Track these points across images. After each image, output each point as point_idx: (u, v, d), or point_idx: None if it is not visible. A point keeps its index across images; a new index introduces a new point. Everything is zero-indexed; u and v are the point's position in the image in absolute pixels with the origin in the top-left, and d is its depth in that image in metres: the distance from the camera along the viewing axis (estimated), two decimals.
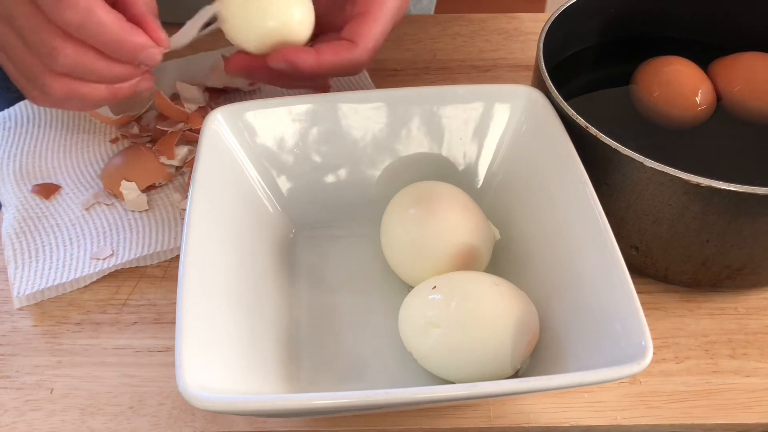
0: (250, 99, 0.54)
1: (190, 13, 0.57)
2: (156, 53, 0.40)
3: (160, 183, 0.48)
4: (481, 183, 0.45)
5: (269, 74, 0.44)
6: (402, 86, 0.45)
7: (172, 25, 0.62)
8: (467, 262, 0.40)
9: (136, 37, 0.38)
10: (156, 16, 0.41)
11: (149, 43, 0.39)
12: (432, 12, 0.73)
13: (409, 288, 0.40)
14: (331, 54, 0.43)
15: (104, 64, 0.39)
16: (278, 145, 0.44)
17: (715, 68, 0.49)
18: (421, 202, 0.41)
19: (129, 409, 0.39)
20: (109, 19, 0.37)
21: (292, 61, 0.42)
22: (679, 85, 0.48)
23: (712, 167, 0.38)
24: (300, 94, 0.55)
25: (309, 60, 0.42)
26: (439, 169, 0.45)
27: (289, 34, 0.43)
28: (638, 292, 0.33)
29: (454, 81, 0.57)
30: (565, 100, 0.41)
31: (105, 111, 0.50)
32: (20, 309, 0.43)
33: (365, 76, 0.56)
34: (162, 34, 0.40)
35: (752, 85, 0.48)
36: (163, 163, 0.48)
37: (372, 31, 0.43)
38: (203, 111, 0.51)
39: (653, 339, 0.32)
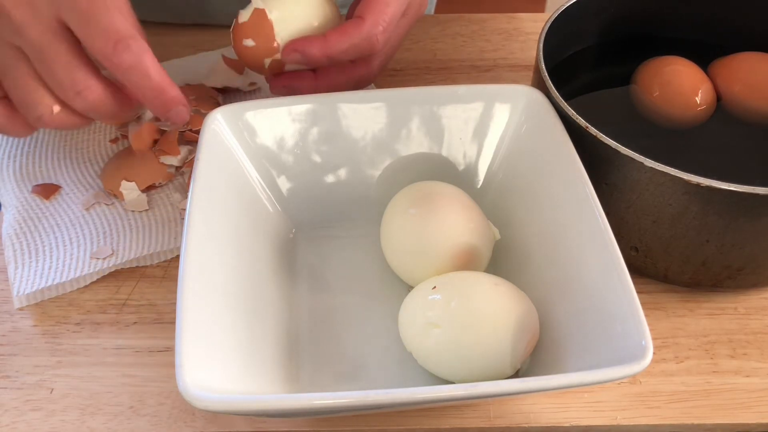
0: (250, 99, 0.54)
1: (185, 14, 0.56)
2: (185, 112, 0.40)
3: (160, 183, 0.48)
4: (481, 183, 0.45)
5: (310, 82, 0.45)
6: (402, 86, 0.45)
7: (173, 25, 0.62)
8: (467, 262, 0.40)
9: (174, 91, 0.39)
10: None
11: (183, 100, 0.40)
12: (432, 12, 0.73)
13: (409, 288, 0.40)
14: (338, 33, 0.43)
15: (120, 108, 0.40)
16: (278, 145, 0.44)
17: (715, 68, 0.49)
18: (421, 202, 0.41)
19: (129, 409, 0.39)
20: (156, 69, 0.38)
21: (302, 50, 0.42)
22: (679, 85, 0.48)
23: (712, 167, 0.38)
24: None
25: (316, 44, 0.42)
26: (439, 169, 0.45)
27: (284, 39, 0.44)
28: (638, 292, 0.33)
29: (454, 81, 0.57)
30: (565, 100, 0.41)
31: None
32: (20, 309, 0.43)
33: None
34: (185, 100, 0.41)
35: (752, 85, 0.48)
36: (163, 163, 0.48)
37: (381, 5, 0.43)
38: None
39: (653, 339, 0.32)
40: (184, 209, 0.46)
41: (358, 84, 0.46)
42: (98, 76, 0.38)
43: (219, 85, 0.55)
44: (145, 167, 0.48)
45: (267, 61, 0.44)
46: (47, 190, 0.48)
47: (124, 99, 0.40)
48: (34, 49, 0.37)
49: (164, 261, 0.45)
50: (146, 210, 0.47)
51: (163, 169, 0.48)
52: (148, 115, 0.51)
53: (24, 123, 0.40)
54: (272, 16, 0.43)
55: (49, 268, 0.44)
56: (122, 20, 0.37)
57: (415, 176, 0.44)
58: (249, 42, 0.43)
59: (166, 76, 0.39)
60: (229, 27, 0.45)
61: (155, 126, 0.49)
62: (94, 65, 0.38)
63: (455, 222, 0.40)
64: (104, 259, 0.44)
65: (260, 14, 0.43)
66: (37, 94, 0.39)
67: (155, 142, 0.50)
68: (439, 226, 0.40)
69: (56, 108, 0.39)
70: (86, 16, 0.37)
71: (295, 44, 0.43)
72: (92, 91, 0.38)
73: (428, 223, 0.40)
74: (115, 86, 0.39)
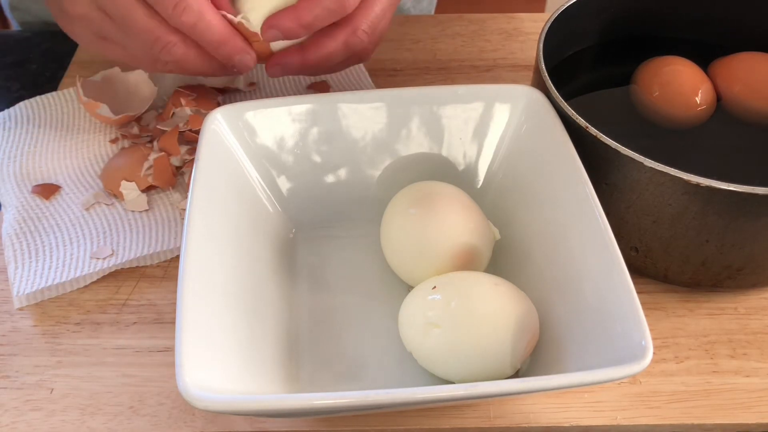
0: (250, 99, 0.54)
1: None
2: (249, 59, 0.43)
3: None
4: (481, 183, 0.45)
5: (297, 56, 0.45)
6: (402, 86, 0.45)
7: None
8: (467, 262, 0.40)
9: (237, 41, 0.43)
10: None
11: (246, 48, 0.43)
12: (432, 12, 0.73)
13: (409, 288, 0.40)
14: (316, 50, 0.44)
15: (205, 60, 0.43)
16: (278, 145, 0.44)
17: (715, 68, 0.49)
18: (421, 202, 0.41)
19: (129, 409, 0.39)
20: (217, 22, 0.42)
21: (275, 24, 0.43)
22: (679, 85, 0.48)
23: (712, 167, 0.38)
24: (300, 93, 0.55)
25: (288, 15, 0.43)
26: (439, 169, 0.45)
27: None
28: (638, 292, 0.33)
29: (454, 81, 0.57)
30: (565, 100, 0.41)
31: (105, 111, 0.50)
32: (20, 309, 0.43)
33: (365, 76, 0.56)
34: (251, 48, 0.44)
35: (752, 85, 0.48)
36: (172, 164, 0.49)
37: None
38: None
39: (653, 339, 0.32)
40: (184, 209, 0.46)
41: (353, 54, 0.45)
42: (177, 33, 0.42)
43: (219, 85, 0.55)
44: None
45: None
46: (47, 190, 0.48)
47: (206, 54, 0.43)
48: (117, 17, 0.42)
49: (164, 261, 0.45)
50: (146, 210, 0.47)
51: (169, 170, 0.48)
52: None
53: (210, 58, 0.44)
54: (239, 17, 0.43)
55: (49, 268, 0.44)
56: None
57: (415, 176, 0.44)
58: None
59: (228, 27, 0.42)
60: None
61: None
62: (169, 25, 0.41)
63: (455, 222, 0.40)
64: (104, 259, 0.44)
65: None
66: (156, 22, 0.42)
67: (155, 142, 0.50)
68: (439, 226, 0.40)
69: (177, 36, 0.42)
70: None
71: (269, 21, 0.43)
72: (174, 45, 0.42)
73: (428, 223, 0.40)
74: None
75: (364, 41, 0.45)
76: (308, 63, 0.45)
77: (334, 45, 0.44)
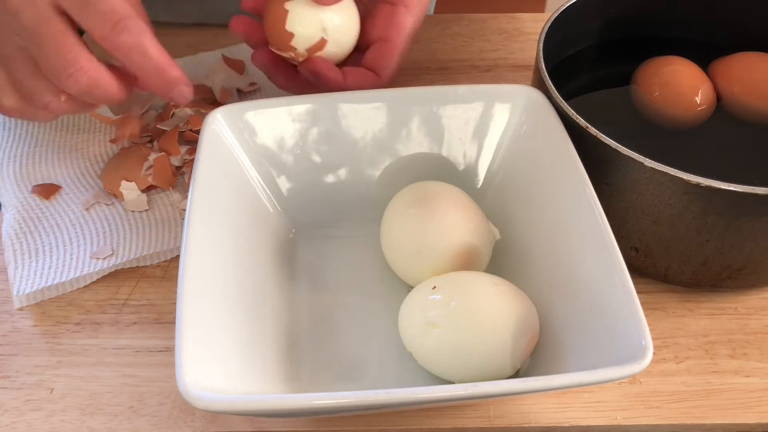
0: (250, 99, 0.54)
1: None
2: (188, 92, 0.40)
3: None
4: (481, 183, 0.45)
5: (287, 77, 0.46)
6: (402, 86, 0.45)
7: (173, 25, 0.62)
8: (467, 262, 0.40)
9: (176, 71, 0.39)
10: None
11: (185, 79, 0.40)
12: (432, 12, 0.73)
13: (409, 288, 0.40)
14: (356, 80, 0.45)
15: (117, 89, 0.40)
16: (278, 145, 0.44)
17: (715, 68, 0.49)
18: (421, 202, 0.41)
19: (129, 409, 0.39)
20: (156, 48, 0.38)
21: (323, 75, 0.44)
22: (679, 85, 0.48)
23: (712, 167, 0.38)
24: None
25: (336, 78, 0.44)
26: (439, 169, 0.45)
27: (333, 43, 0.44)
28: (638, 292, 0.33)
29: (454, 81, 0.57)
30: (565, 100, 0.41)
31: (105, 111, 0.50)
32: (20, 309, 0.43)
33: None
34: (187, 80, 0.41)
35: (752, 85, 0.48)
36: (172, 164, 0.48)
37: (393, 60, 0.46)
38: None
39: (653, 339, 0.32)
40: (184, 209, 0.46)
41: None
42: (90, 58, 0.38)
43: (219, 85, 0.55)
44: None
45: (298, 51, 0.44)
46: (47, 190, 0.48)
47: (121, 81, 0.40)
48: (28, 33, 0.37)
49: (164, 261, 0.45)
50: (146, 210, 0.47)
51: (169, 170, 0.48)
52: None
53: (41, 109, 0.40)
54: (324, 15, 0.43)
55: (49, 268, 0.44)
56: (120, 1, 0.37)
57: (415, 176, 0.44)
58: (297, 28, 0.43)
59: (166, 55, 0.39)
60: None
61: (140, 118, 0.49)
62: (88, 48, 0.38)
63: (455, 222, 0.40)
64: (104, 259, 0.44)
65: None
66: (40, 82, 0.39)
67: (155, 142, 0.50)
68: (439, 226, 0.40)
69: (63, 96, 0.39)
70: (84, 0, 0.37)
71: (312, 64, 0.44)
72: (84, 73, 0.38)
73: (428, 223, 0.40)
74: (110, 68, 0.39)
75: (394, 72, 0.47)
76: (343, 84, 0.45)
77: (371, 78, 0.46)
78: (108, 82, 0.39)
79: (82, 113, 0.44)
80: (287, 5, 0.43)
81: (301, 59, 0.44)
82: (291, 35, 0.43)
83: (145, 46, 0.38)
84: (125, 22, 0.37)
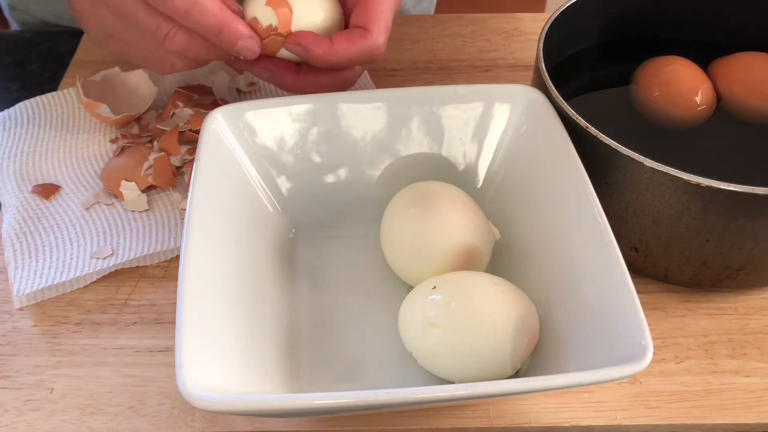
0: (250, 99, 0.54)
1: None
2: (254, 45, 0.42)
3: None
4: (481, 183, 0.45)
5: (292, 75, 0.45)
6: (402, 86, 0.45)
7: None
8: (467, 262, 0.40)
9: (237, 26, 0.41)
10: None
11: (249, 33, 0.41)
12: (432, 12, 0.73)
13: (409, 288, 0.40)
14: (345, 42, 0.42)
15: (210, 47, 0.42)
16: (278, 145, 0.44)
17: (715, 68, 0.49)
18: (421, 202, 0.41)
19: (129, 409, 0.39)
20: (212, 6, 0.40)
21: (306, 46, 0.42)
22: (680, 85, 0.48)
23: (712, 167, 0.38)
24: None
25: (323, 47, 0.42)
26: (439, 169, 0.45)
27: (305, 15, 0.43)
28: (638, 292, 0.33)
29: (454, 81, 0.57)
30: (565, 100, 0.41)
31: (105, 111, 0.50)
32: (20, 309, 0.43)
33: (365, 76, 0.56)
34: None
35: (752, 85, 0.48)
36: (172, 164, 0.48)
37: (382, 12, 0.43)
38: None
39: (653, 339, 0.32)
40: (184, 209, 0.46)
41: (340, 87, 0.45)
42: (174, 23, 0.40)
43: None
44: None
45: (267, 42, 0.43)
46: (47, 190, 0.48)
47: (210, 42, 0.42)
48: (118, 14, 0.41)
49: (164, 261, 0.45)
50: (146, 210, 0.47)
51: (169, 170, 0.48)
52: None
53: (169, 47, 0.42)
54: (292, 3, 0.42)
55: (49, 268, 0.44)
56: None
57: (415, 176, 0.44)
58: (264, 17, 0.42)
59: (227, 11, 0.40)
60: None
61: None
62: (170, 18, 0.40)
63: (455, 222, 0.40)
64: (104, 259, 0.44)
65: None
66: (150, 46, 0.42)
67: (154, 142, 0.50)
68: (439, 226, 0.40)
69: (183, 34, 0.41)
70: None
71: (300, 39, 0.42)
72: (176, 33, 0.41)
73: (428, 223, 0.40)
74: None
75: (357, 78, 0.45)
76: (296, 86, 0.44)
77: (330, 81, 0.44)
78: (199, 45, 0.42)
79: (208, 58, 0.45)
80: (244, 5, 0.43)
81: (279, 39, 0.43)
82: (255, 20, 0.42)
83: (200, 5, 0.39)
84: None
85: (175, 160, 0.49)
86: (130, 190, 0.47)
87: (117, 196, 0.47)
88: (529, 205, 0.42)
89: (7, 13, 0.69)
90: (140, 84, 0.54)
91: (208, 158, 0.40)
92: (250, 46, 0.41)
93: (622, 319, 0.33)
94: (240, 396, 0.32)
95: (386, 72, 0.58)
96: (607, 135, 0.39)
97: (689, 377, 0.40)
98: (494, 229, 0.42)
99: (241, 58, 0.42)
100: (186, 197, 0.47)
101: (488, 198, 0.45)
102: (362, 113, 0.44)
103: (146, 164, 0.48)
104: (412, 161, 0.45)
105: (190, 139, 0.50)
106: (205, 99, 0.53)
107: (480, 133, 0.44)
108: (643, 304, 0.33)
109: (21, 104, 0.53)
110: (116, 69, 0.54)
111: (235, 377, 0.33)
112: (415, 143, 0.45)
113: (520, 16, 0.63)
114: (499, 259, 0.42)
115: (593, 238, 0.36)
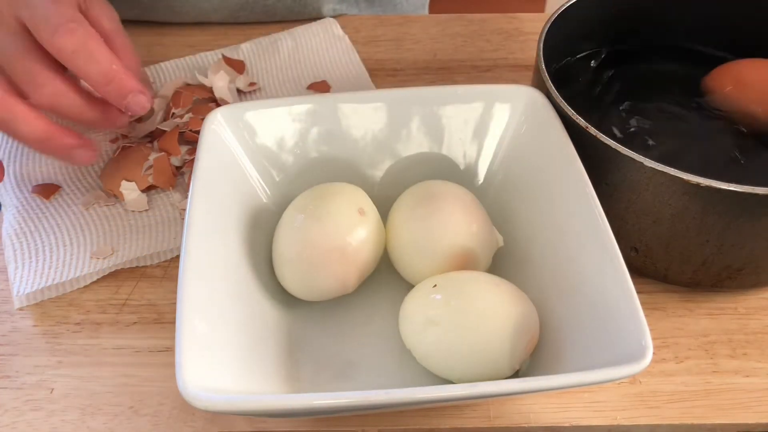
0: (250, 99, 0.54)
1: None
2: (145, 101, 0.39)
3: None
4: (481, 183, 0.45)
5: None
6: (402, 86, 0.45)
7: (173, 25, 0.62)
8: (468, 262, 0.40)
9: (127, 77, 0.38)
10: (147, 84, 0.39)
11: (139, 87, 0.38)
12: (426, 7, 0.73)
13: (410, 286, 0.40)
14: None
15: (82, 104, 0.38)
16: (278, 145, 0.44)
17: (715, 70, 0.49)
18: (426, 200, 0.41)
19: (129, 409, 0.39)
20: (104, 52, 0.37)
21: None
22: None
23: (712, 167, 0.38)
24: (300, 94, 0.55)
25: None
26: (438, 170, 0.45)
27: None
28: (638, 292, 0.33)
29: (454, 81, 0.57)
30: (565, 100, 0.41)
31: None
32: (20, 309, 0.43)
33: (365, 76, 0.56)
34: (150, 92, 0.39)
35: (752, 86, 0.48)
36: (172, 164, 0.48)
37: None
38: None
39: (653, 339, 0.32)
40: (184, 209, 0.46)
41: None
42: (58, 71, 0.37)
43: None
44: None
45: None
46: (47, 190, 0.48)
47: (90, 97, 0.38)
48: (1, 50, 0.37)
49: (164, 261, 0.45)
50: (146, 210, 0.47)
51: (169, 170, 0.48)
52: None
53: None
54: None
55: (49, 268, 0.44)
56: (68, 8, 0.36)
57: (415, 176, 0.44)
58: None
59: (117, 61, 0.37)
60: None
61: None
62: (55, 62, 0.37)
63: (459, 222, 0.40)
64: (104, 258, 0.44)
65: None
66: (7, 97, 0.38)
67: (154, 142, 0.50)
68: (442, 225, 0.40)
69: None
70: (32, 6, 0.36)
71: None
72: (51, 83, 0.37)
73: (432, 222, 0.40)
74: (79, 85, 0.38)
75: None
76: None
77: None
78: (79, 97, 0.38)
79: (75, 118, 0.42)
80: None
81: None
82: None
83: (90, 49, 0.36)
84: (69, 26, 0.35)
85: (175, 160, 0.49)
86: (130, 190, 0.47)
87: (117, 196, 0.47)
88: (529, 206, 0.42)
89: None
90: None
91: (208, 158, 0.40)
92: (140, 101, 0.39)
93: (622, 319, 0.33)
94: (240, 396, 0.32)
95: (386, 72, 0.58)
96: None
97: (689, 377, 0.40)
98: (498, 236, 0.42)
99: (129, 114, 0.39)
100: (186, 197, 0.47)
101: (488, 198, 0.45)
102: (362, 113, 0.44)
103: (146, 164, 0.48)
104: (412, 161, 0.45)
105: (190, 139, 0.50)
106: (205, 99, 0.53)
107: (480, 134, 0.44)
108: (643, 304, 0.33)
109: None
110: None
111: (235, 377, 0.33)
112: (415, 143, 0.45)
113: (520, 16, 0.63)
114: (500, 259, 0.42)
115: (593, 238, 0.36)
